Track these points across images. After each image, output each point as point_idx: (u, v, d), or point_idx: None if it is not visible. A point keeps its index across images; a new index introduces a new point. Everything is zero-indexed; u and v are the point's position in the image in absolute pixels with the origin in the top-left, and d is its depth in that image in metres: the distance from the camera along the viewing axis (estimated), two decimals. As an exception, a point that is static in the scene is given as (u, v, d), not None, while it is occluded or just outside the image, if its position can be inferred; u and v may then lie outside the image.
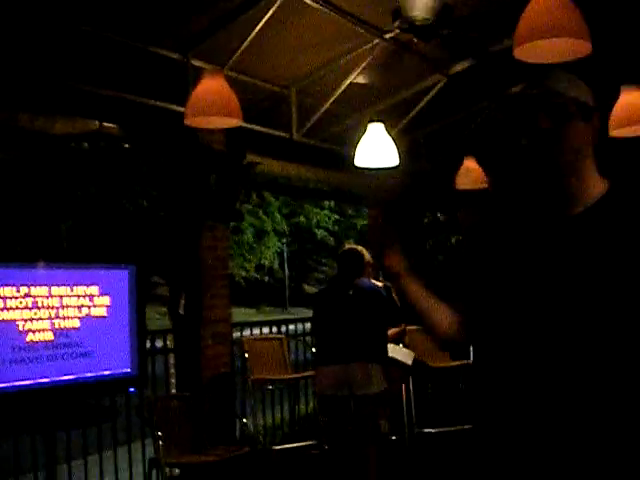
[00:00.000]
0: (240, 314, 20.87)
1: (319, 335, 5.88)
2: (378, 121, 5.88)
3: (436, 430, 7.16)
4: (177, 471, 6.15)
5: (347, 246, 6.43)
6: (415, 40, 5.45)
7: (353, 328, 5.64)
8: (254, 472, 5.74)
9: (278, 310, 35.94)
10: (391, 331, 6.72)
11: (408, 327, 7.07)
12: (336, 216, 36.30)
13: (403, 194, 8.91)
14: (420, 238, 9.88)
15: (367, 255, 6.12)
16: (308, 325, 8.64)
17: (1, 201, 14.49)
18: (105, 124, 5.80)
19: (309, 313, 6.37)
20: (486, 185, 6.93)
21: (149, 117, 5.85)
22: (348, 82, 6.40)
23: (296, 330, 8.39)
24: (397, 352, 6.50)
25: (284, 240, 36.47)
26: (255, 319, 16.91)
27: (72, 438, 5.85)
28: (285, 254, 38.35)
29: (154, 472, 5.48)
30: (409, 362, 6.59)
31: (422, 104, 7.19)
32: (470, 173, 7.15)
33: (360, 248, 6.05)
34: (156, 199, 16.79)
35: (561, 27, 3.38)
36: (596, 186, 2.03)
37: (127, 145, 6.43)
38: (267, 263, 34.58)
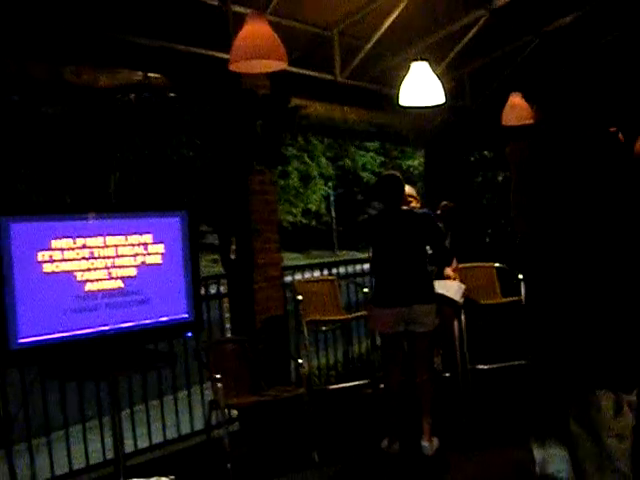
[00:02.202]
0: (289, 259, 21.01)
1: (377, 275, 5.90)
2: (422, 59, 5.84)
3: (488, 366, 7.21)
4: (235, 412, 6.30)
5: (386, 172, 6.41)
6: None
7: (410, 266, 5.69)
8: (310, 411, 5.85)
9: (326, 254, 36.05)
10: (448, 272, 6.74)
11: (459, 265, 7.09)
12: (381, 158, 36.09)
13: (448, 132, 8.85)
14: (467, 176, 9.83)
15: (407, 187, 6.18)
16: (358, 267, 8.69)
17: (50, 155, 14.68)
18: (149, 74, 5.83)
19: (357, 255, 6.38)
20: (532, 121, 6.85)
21: (192, 65, 5.88)
22: (390, 21, 6.35)
23: (347, 272, 8.44)
24: (447, 288, 6.52)
25: (330, 184, 36.42)
26: (304, 263, 17.04)
27: (133, 384, 6.03)
28: (331, 198, 38.33)
29: (213, 414, 5.61)
30: (458, 299, 6.61)
31: (465, 40, 7.11)
32: (516, 109, 7.06)
33: (399, 175, 6.02)
34: (200, 148, 16.87)
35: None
36: None
37: (172, 94, 6.47)
38: (314, 207, 34.63)
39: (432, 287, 5.84)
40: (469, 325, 7.07)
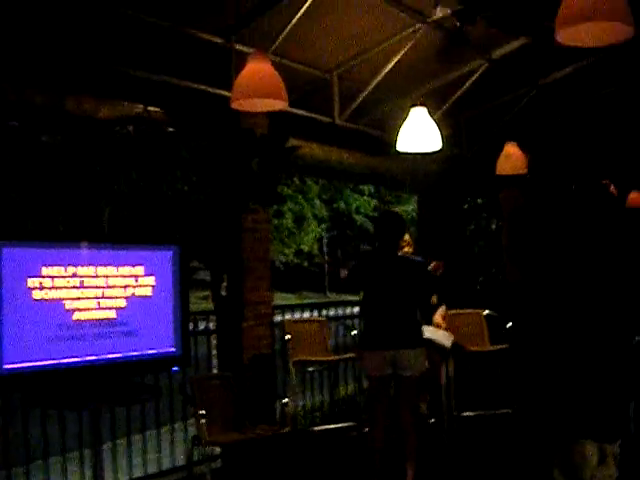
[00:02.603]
0: (280, 299, 20.98)
1: (367, 317, 5.91)
2: (420, 105, 5.89)
3: (474, 413, 7.19)
4: (218, 449, 6.25)
5: (387, 210, 6.48)
6: (457, 24, 5.46)
7: (400, 311, 5.71)
8: (293, 452, 5.81)
9: (317, 295, 36.02)
10: (437, 319, 6.75)
11: (449, 311, 7.10)
12: (375, 202, 36.24)
13: (443, 178, 8.91)
14: (460, 223, 9.87)
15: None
16: (348, 309, 8.68)
17: (47, 184, 14.71)
18: (150, 108, 5.88)
19: (348, 297, 6.40)
20: (526, 170, 6.90)
21: (193, 101, 5.93)
22: (390, 67, 6.42)
23: (337, 314, 8.44)
24: (436, 334, 6.53)
25: (323, 226, 36.51)
26: (294, 303, 16.99)
27: (116, 417, 5.99)
28: (324, 239, 38.39)
29: (196, 450, 5.57)
30: (448, 344, 6.61)
31: (463, 88, 7.19)
32: (511, 158, 7.11)
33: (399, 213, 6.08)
34: (196, 184, 16.92)
35: (604, 10, 3.34)
36: None
37: (171, 129, 6.51)
38: (306, 248, 34.67)
39: (420, 332, 5.85)
40: (456, 372, 7.06)
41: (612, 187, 4.01)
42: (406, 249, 6.52)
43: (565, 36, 3.54)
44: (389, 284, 5.76)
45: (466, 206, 10.62)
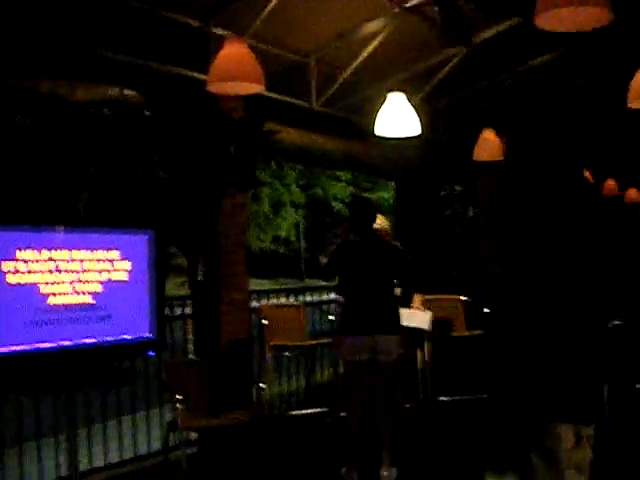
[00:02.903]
0: (256, 285, 20.96)
1: (344, 303, 5.93)
2: (398, 90, 5.88)
3: (451, 398, 7.22)
4: (194, 435, 6.24)
5: (357, 196, 6.53)
6: (436, 9, 5.45)
7: (377, 296, 5.73)
8: (269, 437, 5.81)
9: (294, 281, 36.03)
10: (416, 302, 6.76)
11: (426, 296, 7.11)
12: (352, 188, 36.25)
13: (420, 165, 8.91)
14: (437, 209, 9.89)
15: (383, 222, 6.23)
16: (325, 295, 8.68)
17: (21, 166, 14.58)
18: (126, 91, 5.83)
19: (324, 283, 6.41)
20: (503, 157, 6.93)
21: (170, 84, 5.88)
22: (368, 51, 6.40)
23: (313, 299, 8.44)
24: (412, 318, 6.54)
25: (300, 211, 36.49)
26: (271, 288, 16.96)
27: (92, 402, 5.96)
28: (301, 226, 38.38)
29: (172, 435, 5.56)
30: (426, 327, 6.63)
31: (441, 75, 7.18)
32: (488, 145, 7.13)
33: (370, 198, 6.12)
34: (172, 169, 16.84)
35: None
36: None
37: (147, 112, 6.46)
38: (283, 234, 34.65)
39: (398, 318, 5.86)
40: (433, 357, 7.09)
41: (588, 174, 4.02)
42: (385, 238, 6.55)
43: (545, 21, 3.55)
44: (367, 269, 5.77)
45: (443, 193, 10.64)
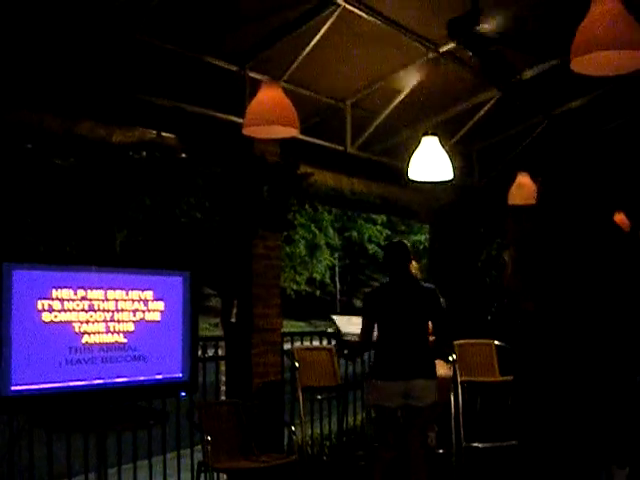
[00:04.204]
0: (291, 327, 20.95)
1: (378, 346, 5.90)
2: (432, 134, 5.91)
3: (484, 445, 7.12)
4: (224, 476, 6.21)
5: (393, 240, 6.51)
6: (470, 54, 5.48)
7: (412, 340, 5.68)
8: (301, 481, 5.78)
9: (328, 324, 35.88)
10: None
11: (457, 341, 7.07)
12: (387, 231, 36.26)
13: (455, 208, 8.90)
14: (472, 253, 9.84)
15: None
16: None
17: (61, 206, 14.79)
18: (163, 134, 5.91)
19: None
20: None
21: (206, 127, 5.96)
22: (403, 96, 6.45)
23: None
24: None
25: (336, 254, 36.51)
26: (304, 331, 16.91)
27: (122, 442, 5.96)
28: (337, 268, 38.38)
29: (202, 477, 5.54)
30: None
31: (475, 119, 7.21)
32: (523, 189, 7.11)
33: (405, 241, 6.12)
34: (209, 211, 16.97)
35: (618, 39, 3.34)
36: None
37: (184, 155, 6.54)
38: (318, 277, 34.67)
39: (433, 362, 5.81)
40: (466, 402, 7.01)
41: (623, 217, 3.97)
42: None
43: (580, 65, 3.55)
44: (400, 311, 5.74)
45: (478, 236, 10.59)
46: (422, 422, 5.80)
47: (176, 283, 5.19)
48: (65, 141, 5.54)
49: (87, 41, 4.69)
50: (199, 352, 6.01)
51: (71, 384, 4.55)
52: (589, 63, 3.55)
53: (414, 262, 6.71)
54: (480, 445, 7.11)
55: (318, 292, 36.74)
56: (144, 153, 6.59)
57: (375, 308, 5.92)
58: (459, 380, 6.91)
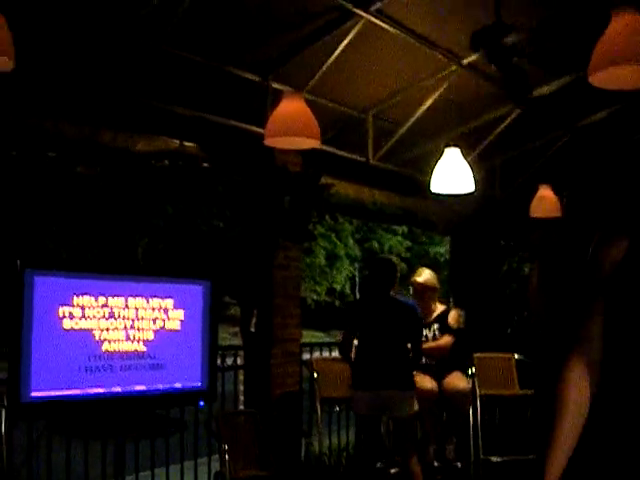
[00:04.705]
0: (310, 337, 20.94)
1: (357, 357, 6.02)
2: (454, 146, 5.90)
3: (502, 459, 7.08)
4: (242, 486, 6.21)
5: (381, 256, 6.65)
6: (493, 67, 5.47)
7: (386, 352, 5.81)
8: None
9: (347, 335, 35.75)
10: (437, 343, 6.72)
11: (476, 354, 7.04)
12: (408, 242, 36.18)
13: (476, 221, 8.88)
14: (493, 265, 9.80)
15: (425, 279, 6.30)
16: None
17: (82, 215, 14.89)
18: (185, 143, 5.94)
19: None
20: (560, 214, 6.87)
21: (228, 137, 5.99)
22: (425, 107, 6.44)
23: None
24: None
25: (356, 265, 36.47)
26: (323, 341, 16.91)
27: (141, 450, 5.98)
28: (356, 279, 38.34)
29: (219, 486, 5.54)
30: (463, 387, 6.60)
31: (498, 131, 7.19)
32: (545, 201, 7.09)
33: (395, 259, 6.25)
34: (230, 220, 17.02)
35: (638, 53, 3.34)
36: None
37: (206, 164, 6.57)
38: (338, 287, 34.63)
39: (410, 374, 5.92)
40: (485, 416, 6.97)
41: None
42: (428, 293, 6.65)
43: (599, 79, 3.54)
44: (376, 325, 5.89)
45: (499, 249, 10.55)
46: (407, 431, 5.89)
47: (196, 292, 5.21)
48: (87, 149, 5.57)
49: (110, 50, 4.73)
50: (218, 361, 6.02)
51: (90, 391, 4.57)
52: (608, 78, 3.54)
53: (430, 272, 6.78)
54: (498, 459, 7.07)
55: (338, 302, 36.69)
56: (166, 162, 6.62)
57: (354, 320, 6.10)
58: (478, 393, 6.87)
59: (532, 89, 5.86)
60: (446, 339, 6.75)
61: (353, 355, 6.06)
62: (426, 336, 6.65)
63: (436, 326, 6.76)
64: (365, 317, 6.01)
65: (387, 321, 5.87)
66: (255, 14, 4.93)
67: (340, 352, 6.30)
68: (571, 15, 5.23)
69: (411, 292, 7.21)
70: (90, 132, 5.26)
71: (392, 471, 6.35)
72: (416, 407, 5.96)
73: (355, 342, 6.05)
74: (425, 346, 6.54)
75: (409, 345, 5.98)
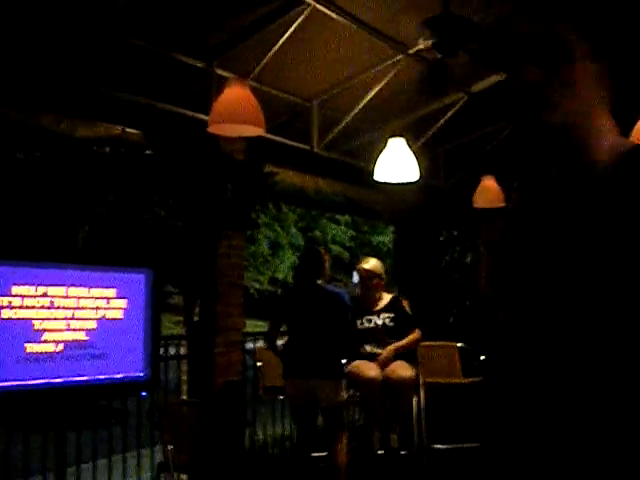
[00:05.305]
0: (253, 326, 20.90)
1: (286, 348, 6.06)
2: (399, 136, 5.91)
3: (446, 446, 7.14)
4: (185, 477, 6.16)
5: (308, 246, 6.74)
6: (438, 56, 5.48)
7: (312, 341, 5.83)
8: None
9: (290, 323, 35.80)
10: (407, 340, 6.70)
11: (420, 343, 7.06)
12: (352, 232, 36.28)
13: (420, 210, 8.93)
14: (436, 255, 9.88)
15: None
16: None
17: (20, 201, 14.61)
18: (128, 130, 5.85)
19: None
20: (503, 204, 6.92)
21: (172, 124, 5.91)
22: (370, 97, 6.44)
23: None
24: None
25: (299, 254, 36.45)
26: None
27: (82, 441, 5.90)
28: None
29: (162, 477, 5.48)
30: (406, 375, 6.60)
31: (443, 121, 7.22)
32: (488, 192, 7.15)
33: (322, 249, 6.28)
34: (173, 208, 16.86)
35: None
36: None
37: (148, 151, 6.48)
38: (281, 276, 34.59)
39: (337, 363, 5.95)
40: (428, 404, 7.02)
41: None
42: (375, 281, 6.63)
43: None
44: (305, 314, 5.91)
45: (442, 238, 10.64)
46: (332, 422, 5.93)
47: (139, 281, 5.13)
48: (27, 134, 5.46)
49: (54, 33, 4.62)
50: (161, 350, 5.96)
51: (30, 382, 4.47)
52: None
53: (377, 261, 6.78)
54: (442, 447, 7.13)
55: (280, 291, 36.63)
56: (108, 149, 6.52)
57: (281, 310, 6.16)
58: (422, 381, 6.91)
59: (472, 80, 5.90)
60: (416, 334, 6.74)
61: (282, 344, 6.09)
62: (375, 324, 6.64)
63: (386, 315, 6.72)
64: (292, 306, 6.03)
65: (313, 309, 5.88)
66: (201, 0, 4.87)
67: (265, 341, 6.33)
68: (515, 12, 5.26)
69: (355, 280, 7.21)
70: (31, 117, 5.14)
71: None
72: (345, 396, 5.98)
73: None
74: (398, 345, 6.56)
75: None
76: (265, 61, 5.52)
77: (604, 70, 1.65)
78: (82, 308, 4.74)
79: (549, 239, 1.89)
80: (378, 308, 6.74)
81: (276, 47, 5.39)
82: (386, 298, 6.82)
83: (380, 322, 6.66)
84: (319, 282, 5.99)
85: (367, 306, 6.69)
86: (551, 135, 1.70)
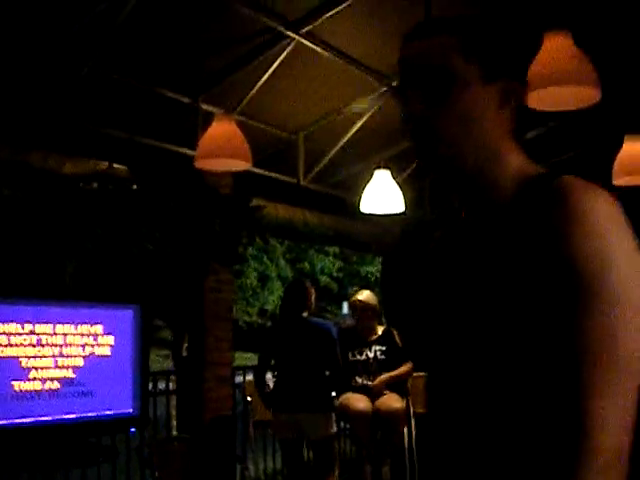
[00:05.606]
0: (243, 358, 20.82)
1: (275, 381, 6.06)
2: (384, 168, 5.94)
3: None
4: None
5: (295, 278, 6.70)
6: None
7: (300, 374, 5.82)
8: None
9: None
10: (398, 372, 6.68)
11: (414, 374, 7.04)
12: (340, 263, 36.29)
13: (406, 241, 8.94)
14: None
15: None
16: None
17: (7, 238, 14.58)
18: (115, 165, 5.86)
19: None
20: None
21: (158, 159, 5.93)
22: (355, 129, 6.48)
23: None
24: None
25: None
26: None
27: (71, 479, 5.83)
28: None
29: (152, 514, 5.43)
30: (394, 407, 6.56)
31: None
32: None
33: (307, 282, 6.27)
34: (160, 242, 16.85)
35: (571, 75, 3.42)
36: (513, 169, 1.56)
37: (135, 187, 6.49)
38: (270, 308, 34.51)
39: (326, 396, 5.93)
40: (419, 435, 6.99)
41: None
42: (369, 313, 6.62)
43: (535, 100, 3.60)
44: (292, 348, 5.89)
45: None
46: (321, 456, 5.88)
47: (126, 317, 5.12)
48: (14, 171, 5.46)
49: (39, 71, 4.65)
50: (150, 386, 5.93)
51: (17, 421, 4.44)
52: (543, 98, 3.59)
53: (370, 293, 6.79)
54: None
55: (269, 323, 36.53)
56: (95, 184, 6.52)
57: (268, 345, 6.13)
58: (412, 412, 6.88)
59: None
60: (406, 367, 6.72)
61: (272, 378, 6.08)
62: (367, 356, 6.62)
63: (378, 347, 6.71)
64: (278, 340, 6.01)
65: (298, 343, 5.87)
66: (186, 36, 4.90)
67: (254, 378, 6.30)
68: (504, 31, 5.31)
69: (347, 312, 7.21)
70: (19, 154, 5.15)
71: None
72: (334, 429, 5.95)
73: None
74: (387, 376, 6.54)
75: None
76: (250, 95, 5.56)
77: (501, 92, 1.53)
78: (69, 345, 4.72)
79: (449, 267, 1.75)
80: (371, 339, 6.74)
81: (261, 81, 5.42)
82: (379, 330, 6.82)
83: (372, 354, 6.66)
84: (304, 315, 5.98)
85: (362, 337, 6.68)
86: (449, 168, 1.57)
